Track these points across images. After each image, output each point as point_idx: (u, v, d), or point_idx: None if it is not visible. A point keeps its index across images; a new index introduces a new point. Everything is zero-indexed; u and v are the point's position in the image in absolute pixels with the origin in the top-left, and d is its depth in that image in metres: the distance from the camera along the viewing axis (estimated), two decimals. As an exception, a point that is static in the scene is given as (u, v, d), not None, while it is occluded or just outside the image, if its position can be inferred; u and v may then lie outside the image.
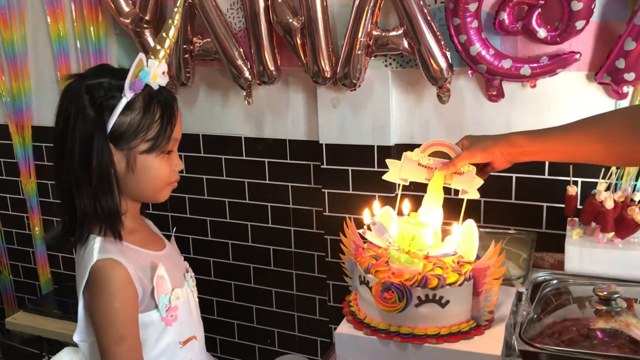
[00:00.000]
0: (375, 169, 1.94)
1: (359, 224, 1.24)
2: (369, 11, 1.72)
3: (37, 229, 2.72)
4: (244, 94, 2.04)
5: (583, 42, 1.60)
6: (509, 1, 1.60)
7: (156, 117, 1.15)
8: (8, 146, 2.65)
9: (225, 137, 2.22)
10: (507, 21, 1.62)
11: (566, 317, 1.31)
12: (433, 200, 1.25)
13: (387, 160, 1.30)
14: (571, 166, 1.56)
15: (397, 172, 1.30)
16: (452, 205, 1.28)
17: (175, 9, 1.20)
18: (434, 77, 1.72)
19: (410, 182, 1.29)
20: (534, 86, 1.68)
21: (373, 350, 1.13)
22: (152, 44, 2.07)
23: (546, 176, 1.76)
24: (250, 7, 1.88)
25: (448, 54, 1.70)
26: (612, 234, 1.45)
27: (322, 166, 2.03)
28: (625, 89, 1.59)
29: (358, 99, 1.90)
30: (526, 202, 1.81)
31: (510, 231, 1.65)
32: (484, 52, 1.65)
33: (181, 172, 1.24)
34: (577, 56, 1.59)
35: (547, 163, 1.75)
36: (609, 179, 1.49)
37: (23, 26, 2.46)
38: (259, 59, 1.94)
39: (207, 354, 1.35)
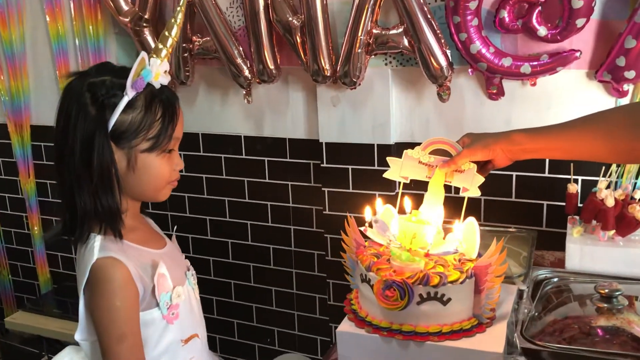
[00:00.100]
0: (375, 167, 1.94)
1: (360, 222, 1.24)
2: (369, 9, 1.72)
3: (36, 228, 2.71)
4: (244, 92, 2.04)
5: (583, 40, 1.60)
6: (509, -1, 1.60)
7: (157, 116, 1.15)
8: (7, 145, 2.64)
9: (224, 136, 2.22)
10: (507, 19, 1.62)
11: (567, 314, 1.31)
12: (434, 198, 1.25)
13: (387, 158, 1.30)
14: (572, 164, 1.56)
15: (397, 170, 1.29)
16: (453, 204, 1.28)
17: (178, 8, 1.20)
18: (434, 76, 1.72)
19: (411, 180, 1.29)
20: (534, 84, 1.68)
21: (375, 348, 1.13)
22: (151, 42, 2.07)
23: (546, 174, 1.76)
24: (249, 5, 1.87)
25: (448, 52, 1.70)
26: (612, 231, 1.45)
27: (322, 165, 2.02)
28: (625, 87, 1.59)
29: (358, 97, 1.90)
30: (526, 200, 1.81)
31: (510, 229, 1.65)
32: (484, 50, 1.65)
33: (181, 171, 1.24)
34: (578, 54, 1.59)
35: (547, 161, 1.75)
36: (609, 177, 1.49)
37: (22, 25, 2.45)
38: (259, 58, 1.94)
39: (210, 351, 1.35)
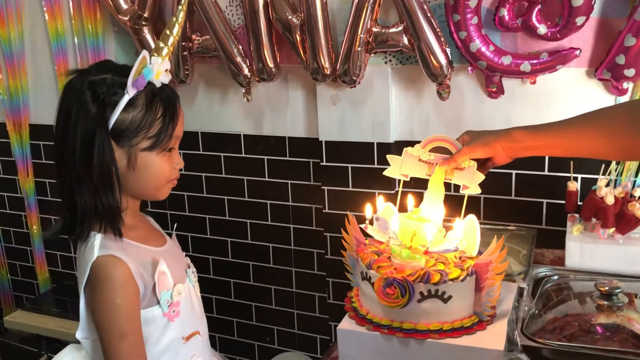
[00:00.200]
0: (375, 166, 1.94)
1: (359, 220, 1.24)
2: (369, 8, 1.72)
3: (35, 227, 2.71)
4: (243, 91, 2.04)
5: (583, 38, 1.60)
6: (509, -3, 1.61)
7: (158, 114, 1.15)
8: (5, 144, 2.64)
9: (224, 135, 2.22)
10: (507, 17, 1.62)
11: (567, 312, 1.31)
12: (434, 196, 1.25)
13: (387, 156, 1.30)
14: (571, 162, 1.56)
15: (397, 168, 1.29)
16: (453, 202, 1.28)
17: (180, 7, 1.20)
18: (433, 74, 1.72)
19: (411, 178, 1.29)
20: (533, 82, 1.68)
21: (375, 346, 1.13)
22: (150, 41, 2.07)
23: (546, 172, 1.76)
24: (249, 4, 1.87)
25: (448, 50, 1.70)
26: (612, 229, 1.45)
27: (321, 163, 2.02)
28: (625, 85, 1.59)
29: (358, 96, 1.90)
30: (526, 198, 1.81)
31: (510, 227, 1.65)
32: (483, 49, 1.65)
33: (180, 169, 1.24)
34: (577, 52, 1.59)
35: (547, 159, 1.75)
36: (609, 174, 1.49)
37: (20, 23, 2.45)
38: (258, 56, 1.93)
39: (211, 349, 1.35)
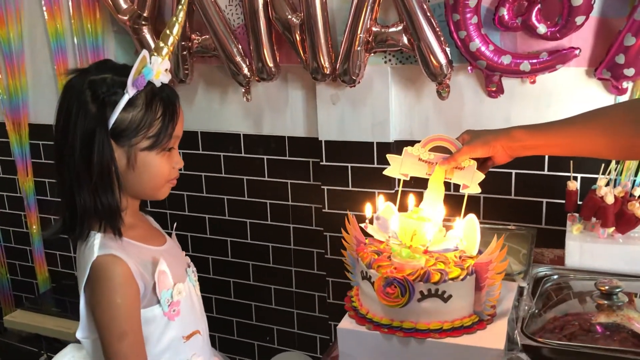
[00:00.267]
0: (375, 165, 1.94)
1: (359, 220, 1.24)
2: (368, 7, 1.72)
3: (34, 227, 2.71)
4: (243, 90, 2.04)
5: (583, 38, 1.60)
6: (508, -3, 1.61)
7: (158, 114, 1.15)
8: (5, 144, 2.64)
9: (224, 134, 2.22)
10: (506, 17, 1.62)
11: (567, 311, 1.31)
12: (434, 195, 1.25)
13: (387, 156, 1.30)
14: (571, 161, 1.57)
15: (397, 167, 1.29)
16: (453, 201, 1.28)
17: (180, 7, 1.20)
18: (433, 73, 1.72)
19: (411, 178, 1.29)
20: (533, 82, 1.68)
21: (375, 345, 1.13)
22: (150, 40, 2.06)
23: (546, 172, 1.76)
24: (249, 3, 1.87)
25: (447, 50, 1.70)
26: (612, 229, 1.45)
27: (321, 163, 2.02)
28: (624, 84, 1.59)
29: (357, 95, 1.90)
30: (526, 197, 1.81)
31: (510, 227, 1.65)
32: (483, 48, 1.65)
33: (180, 169, 1.23)
34: (577, 52, 1.59)
35: (547, 159, 1.75)
36: (608, 174, 1.50)
37: (20, 23, 2.45)
38: (258, 56, 1.93)
39: (212, 348, 1.35)
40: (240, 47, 1.96)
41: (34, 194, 2.66)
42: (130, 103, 1.12)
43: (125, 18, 2.06)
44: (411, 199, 1.27)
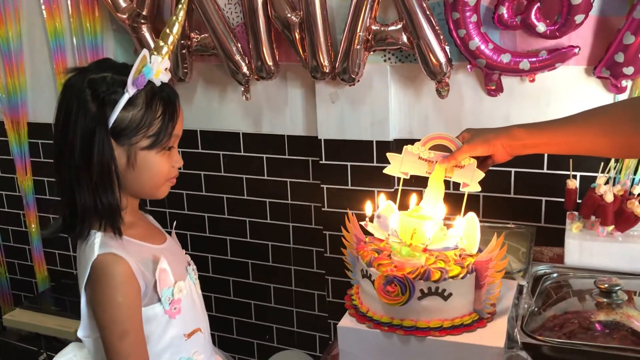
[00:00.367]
0: (374, 164, 1.94)
1: (359, 218, 1.24)
2: (368, 6, 1.72)
3: (33, 226, 2.70)
4: (242, 89, 2.04)
5: (582, 36, 1.60)
6: (508, -5, 1.61)
7: (158, 113, 1.14)
8: (4, 143, 2.63)
9: (223, 133, 2.22)
10: (506, 15, 1.62)
11: (567, 309, 1.32)
12: (434, 194, 1.25)
13: (387, 154, 1.30)
14: (571, 160, 1.57)
15: (397, 165, 1.30)
16: (453, 200, 1.29)
17: (180, 6, 1.19)
18: (433, 72, 1.72)
19: (411, 176, 1.29)
20: (532, 80, 1.68)
21: (376, 343, 1.13)
22: (149, 39, 2.06)
23: (545, 170, 1.76)
24: (248, 2, 1.87)
25: (447, 48, 1.70)
26: (611, 227, 1.45)
27: (320, 161, 2.02)
28: (624, 82, 1.60)
29: (357, 94, 1.90)
30: (525, 196, 1.81)
31: (509, 225, 1.66)
32: (483, 47, 1.65)
33: (180, 168, 1.23)
34: (576, 50, 1.60)
35: (546, 157, 1.75)
36: (608, 172, 1.50)
37: (19, 22, 2.44)
38: (257, 54, 1.93)
39: (213, 346, 1.35)
40: (239, 45, 1.96)
41: (33, 193, 2.66)
42: (130, 102, 1.12)
43: (125, 17, 2.05)
44: (413, 198, 1.27)
